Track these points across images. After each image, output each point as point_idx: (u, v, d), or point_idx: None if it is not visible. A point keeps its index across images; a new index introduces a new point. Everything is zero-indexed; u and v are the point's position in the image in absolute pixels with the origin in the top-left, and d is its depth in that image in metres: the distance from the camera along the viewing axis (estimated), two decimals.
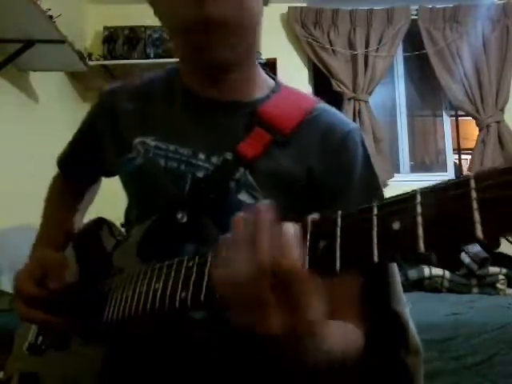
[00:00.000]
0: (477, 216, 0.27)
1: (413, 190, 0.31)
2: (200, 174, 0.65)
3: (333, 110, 0.72)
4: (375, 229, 0.32)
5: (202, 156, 0.66)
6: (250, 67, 0.70)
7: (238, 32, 0.61)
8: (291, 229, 0.36)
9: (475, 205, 0.27)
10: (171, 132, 0.69)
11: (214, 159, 0.65)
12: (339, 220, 0.35)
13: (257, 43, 0.68)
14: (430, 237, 0.29)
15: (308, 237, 0.36)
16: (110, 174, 0.84)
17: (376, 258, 0.31)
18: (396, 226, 0.31)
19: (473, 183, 0.28)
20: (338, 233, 0.35)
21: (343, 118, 0.71)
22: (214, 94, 0.68)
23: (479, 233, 0.26)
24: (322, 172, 0.65)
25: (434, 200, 0.30)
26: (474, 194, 0.27)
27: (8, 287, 1.61)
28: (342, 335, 0.52)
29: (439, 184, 0.30)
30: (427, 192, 0.30)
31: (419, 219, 0.30)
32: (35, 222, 2.26)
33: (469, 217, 0.27)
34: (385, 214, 0.32)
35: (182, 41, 0.64)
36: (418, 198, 0.30)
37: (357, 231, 0.34)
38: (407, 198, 0.31)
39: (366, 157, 0.68)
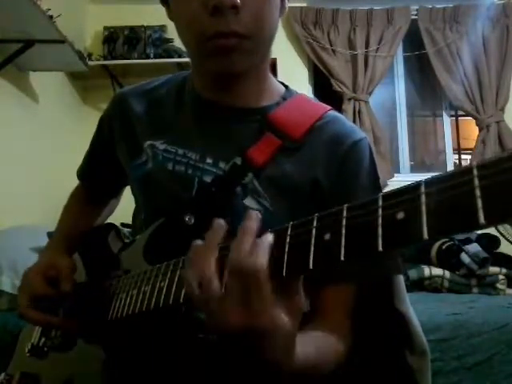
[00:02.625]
0: (479, 203, 0.27)
1: (418, 181, 0.32)
2: (207, 179, 0.65)
3: (343, 118, 0.72)
4: (380, 219, 0.32)
5: (209, 160, 0.66)
6: (263, 74, 0.70)
7: (256, 43, 0.61)
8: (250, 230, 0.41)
9: (478, 192, 0.27)
10: (180, 136, 0.69)
11: (222, 164, 0.65)
12: (345, 212, 0.36)
13: (270, 52, 0.69)
14: (433, 225, 0.29)
15: (313, 232, 0.37)
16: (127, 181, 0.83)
17: (380, 248, 0.32)
18: (400, 215, 0.31)
19: (475, 171, 0.28)
20: (344, 224, 0.35)
21: (353, 127, 0.71)
22: (224, 100, 0.68)
23: (482, 219, 0.27)
24: (328, 181, 0.65)
25: (438, 189, 0.30)
26: (476, 182, 0.28)
27: (8, 287, 1.61)
28: (314, 350, 0.52)
29: (443, 174, 0.30)
30: (431, 182, 0.31)
31: (423, 208, 0.30)
32: (35, 223, 2.26)
33: (471, 204, 0.27)
34: (389, 205, 0.32)
35: (198, 49, 0.63)
36: (423, 188, 0.31)
37: (362, 222, 0.34)
38: (412, 189, 0.32)
39: (373, 168, 0.68)
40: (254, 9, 0.59)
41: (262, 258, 0.39)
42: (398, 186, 0.33)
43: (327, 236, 0.36)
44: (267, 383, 0.50)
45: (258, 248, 0.40)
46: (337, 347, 0.58)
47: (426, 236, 0.29)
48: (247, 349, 0.41)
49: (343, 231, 0.35)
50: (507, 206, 0.26)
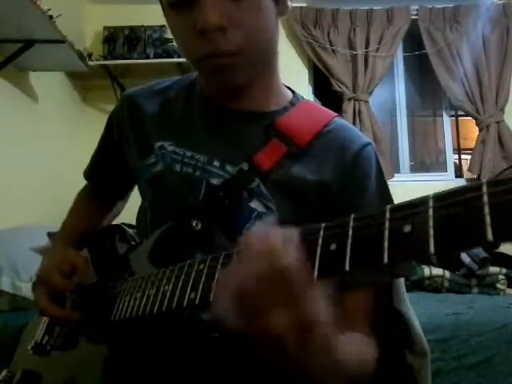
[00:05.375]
0: (488, 219, 0.27)
1: (426, 195, 0.31)
2: (214, 181, 0.66)
3: (349, 125, 0.72)
4: (386, 231, 0.32)
5: (216, 163, 0.67)
6: (270, 79, 0.70)
7: (251, 57, 0.61)
8: (278, 233, 0.38)
9: (486, 209, 0.27)
10: (188, 138, 0.69)
11: (229, 167, 0.66)
12: (351, 222, 0.35)
13: (275, 57, 0.68)
14: (440, 239, 0.29)
15: (320, 240, 0.37)
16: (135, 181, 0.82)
17: (386, 260, 0.31)
18: (407, 228, 0.31)
19: (485, 188, 0.28)
20: (350, 234, 0.35)
21: (358, 133, 0.71)
22: (232, 104, 0.69)
23: (490, 236, 0.27)
24: (336, 187, 0.65)
25: (447, 204, 0.30)
26: (485, 199, 0.28)
27: (8, 287, 1.61)
28: (357, 348, 0.51)
29: (453, 189, 0.30)
30: (440, 196, 0.31)
31: (430, 222, 0.30)
32: (35, 223, 2.26)
33: (480, 220, 0.27)
34: (396, 217, 0.32)
35: (195, 67, 0.64)
36: (431, 202, 0.31)
37: (368, 234, 0.34)
38: (420, 202, 0.31)
39: (380, 173, 0.68)
40: (243, 24, 0.58)
41: (293, 252, 0.37)
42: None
43: (333, 246, 0.36)
44: None
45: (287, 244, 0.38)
46: (371, 345, 0.57)
47: (432, 250, 0.29)
48: (296, 355, 0.38)
49: (349, 242, 0.35)
50: None
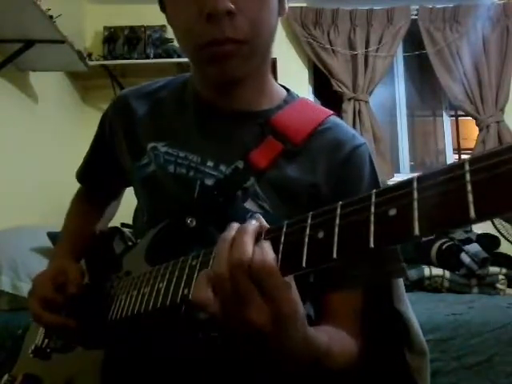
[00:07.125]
0: (470, 197, 0.27)
1: (410, 177, 0.31)
2: (208, 181, 0.65)
3: (344, 124, 0.72)
4: (372, 216, 0.32)
5: (210, 163, 0.66)
6: (263, 77, 0.70)
7: (254, 47, 0.61)
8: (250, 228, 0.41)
9: (469, 187, 0.27)
10: (182, 139, 0.69)
11: (223, 167, 0.66)
12: (338, 209, 0.36)
13: (270, 55, 0.68)
14: (424, 221, 0.29)
15: (307, 230, 0.37)
16: (128, 181, 0.82)
17: (372, 245, 0.32)
18: (392, 212, 0.31)
19: (467, 166, 0.28)
20: (337, 221, 0.35)
21: (353, 133, 0.71)
22: (225, 103, 0.68)
23: (472, 214, 0.26)
24: (327, 188, 0.65)
25: (430, 185, 0.30)
26: (467, 177, 0.27)
27: (8, 287, 1.61)
28: (339, 346, 0.54)
29: (436, 169, 0.30)
30: (423, 177, 0.31)
31: (415, 204, 0.30)
32: (35, 223, 2.25)
33: (462, 198, 0.27)
34: (382, 201, 0.32)
35: (195, 56, 0.63)
36: (415, 184, 0.31)
37: (355, 219, 0.34)
38: (404, 185, 0.32)
39: (373, 174, 0.68)
40: (250, 13, 0.58)
41: (270, 254, 0.39)
42: None
43: (320, 234, 0.36)
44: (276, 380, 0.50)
45: (260, 243, 0.40)
46: (350, 341, 0.59)
47: (416, 232, 0.29)
48: (273, 343, 0.41)
49: (336, 229, 0.35)
50: (498, 201, 0.26)
